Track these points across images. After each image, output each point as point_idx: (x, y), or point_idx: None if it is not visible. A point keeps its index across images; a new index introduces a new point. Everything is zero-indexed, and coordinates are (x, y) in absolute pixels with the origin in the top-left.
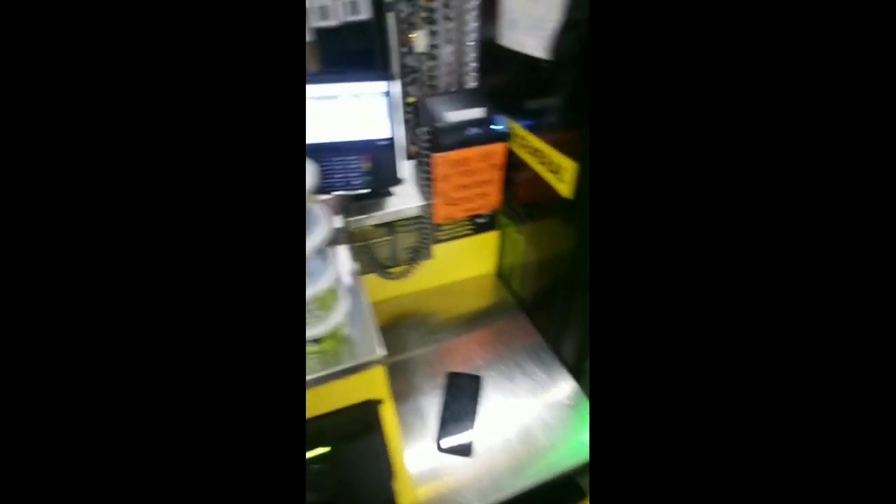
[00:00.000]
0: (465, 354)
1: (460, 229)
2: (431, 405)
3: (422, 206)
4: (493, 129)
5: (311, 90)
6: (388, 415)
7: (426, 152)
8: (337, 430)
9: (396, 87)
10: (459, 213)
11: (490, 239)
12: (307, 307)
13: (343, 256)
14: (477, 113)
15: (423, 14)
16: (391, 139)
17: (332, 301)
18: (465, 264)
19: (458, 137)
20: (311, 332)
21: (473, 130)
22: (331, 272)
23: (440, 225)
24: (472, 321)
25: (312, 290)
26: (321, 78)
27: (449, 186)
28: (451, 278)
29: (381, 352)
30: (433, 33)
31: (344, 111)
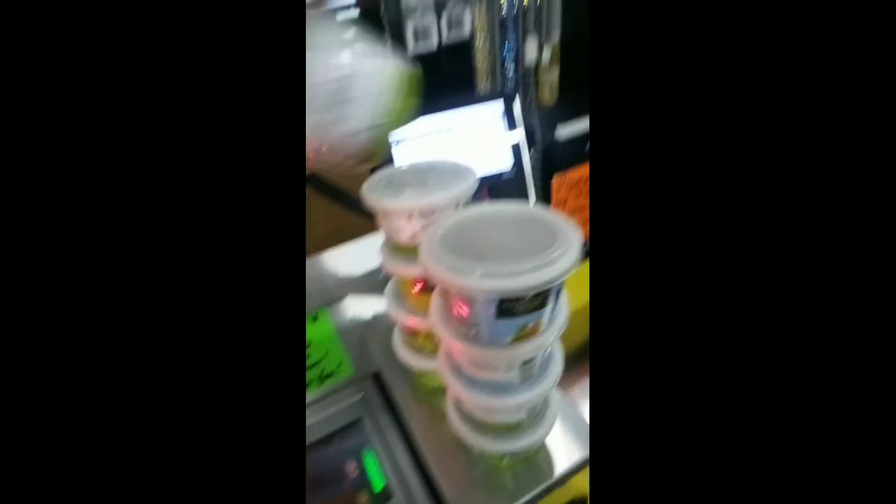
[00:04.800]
0: None
1: None
2: None
3: None
4: None
5: (420, 124)
6: None
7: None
8: None
9: (515, 107)
10: None
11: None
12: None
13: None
14: (587, 122)
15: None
16: (517, 167)
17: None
18: (574, 296)
19: (576, 153)
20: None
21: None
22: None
23: None
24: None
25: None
26: (428, 108)
27: (565, 211)
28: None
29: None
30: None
31: (458, 144)
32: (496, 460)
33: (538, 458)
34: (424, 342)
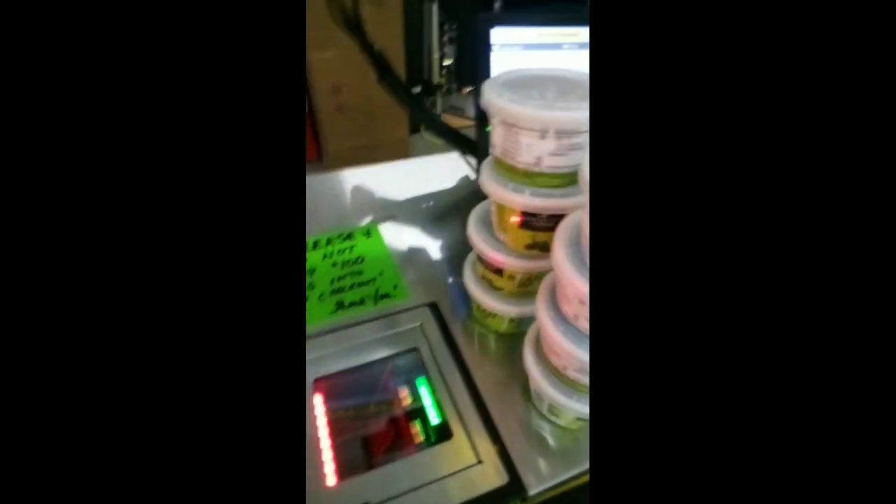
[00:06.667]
0: None
1: None
2: None
3: None
4: None
5: (525, 34)
6: None
7: None
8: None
9: None
10: None
11: None
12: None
13: None
14: None
15: None
16: None
17: None
18: None
19: None
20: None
21: None
22: None
23: None
24: None
25: None
26: (535, 19)
27: None
28: None
29: None
30: None
31: (565, 64)
32: (571, 421)
33: None
34: (506, 283)
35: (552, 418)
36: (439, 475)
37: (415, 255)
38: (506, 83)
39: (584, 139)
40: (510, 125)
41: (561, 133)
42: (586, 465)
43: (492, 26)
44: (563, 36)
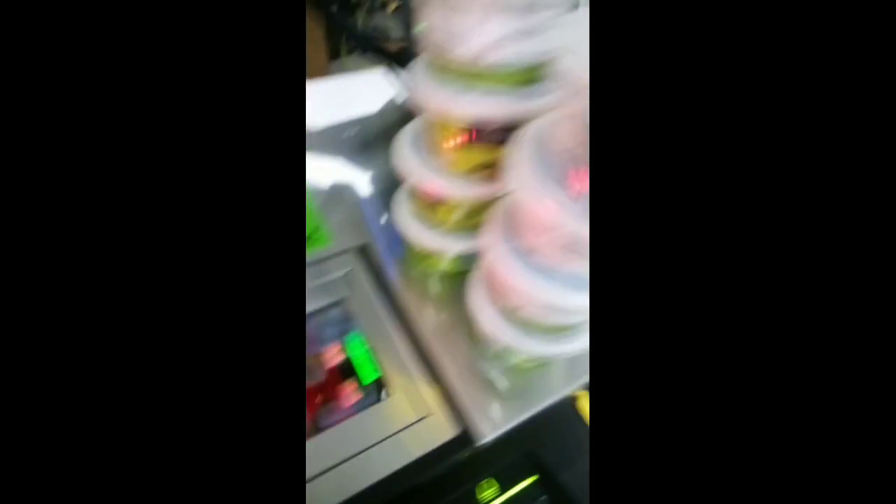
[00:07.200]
0: None
1: None
2: None
3: None
4: None
5: None
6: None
7: None
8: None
9: None
10: None
11: None
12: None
13: None
14: None
15: None
16: None
17: None
18: None
19: None
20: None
21: None
22: None
23: None
24: None
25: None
26: None
27: None
28: None
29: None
30: None
31: None
32: (522, 362)
33: (558, 363)
34: (446, 215)
35: (503, 360)
36: (379, 437)
37: (338, 193)
38: None
39: (547, 18)
40: (445, 6)
41: (512, 7)
42: (541, 404)
43: None
44: None
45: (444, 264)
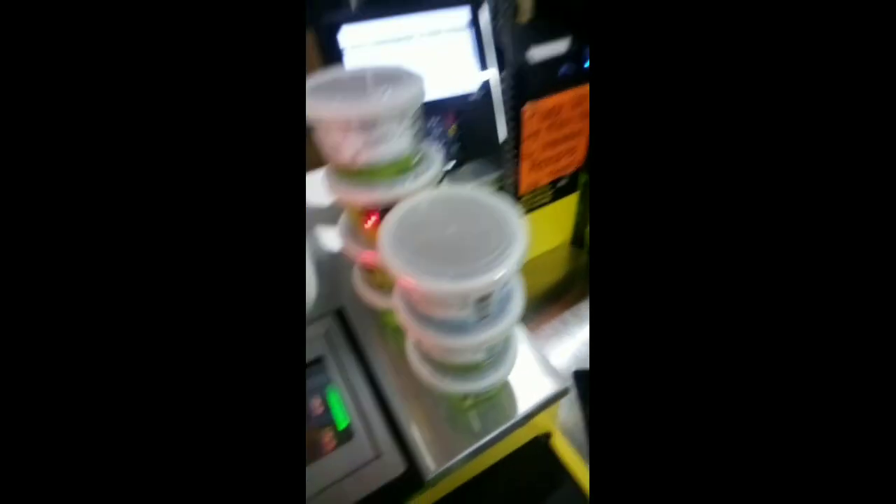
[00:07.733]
0: None
1: (538, 198)
2: None
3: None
4: (586, 67)
5: (376, 29)
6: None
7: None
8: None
9: (484, 16)
10: (545, 177)
11: (569, 204)
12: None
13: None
14: (563, 46)
15: None
16: (485, 90)
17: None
18: (542, 238)
19: (549, 79)
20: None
21: (564, 69)
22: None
23: (521, 197)
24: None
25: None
26: (385, 11)
27: (537, 146)
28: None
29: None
30: None
31: (419, 56)
32: (458, 401)
33: (501, 397)
34: (383, 279)
35: (446, 402)
36: (337, 477)
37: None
38: (317, 86)
39: (388, 127)
40: (324, 126)
41: (363, 125)
42: (480, 440)
43: (340, 25)
44: (413, 27)
45: (395, 320)
